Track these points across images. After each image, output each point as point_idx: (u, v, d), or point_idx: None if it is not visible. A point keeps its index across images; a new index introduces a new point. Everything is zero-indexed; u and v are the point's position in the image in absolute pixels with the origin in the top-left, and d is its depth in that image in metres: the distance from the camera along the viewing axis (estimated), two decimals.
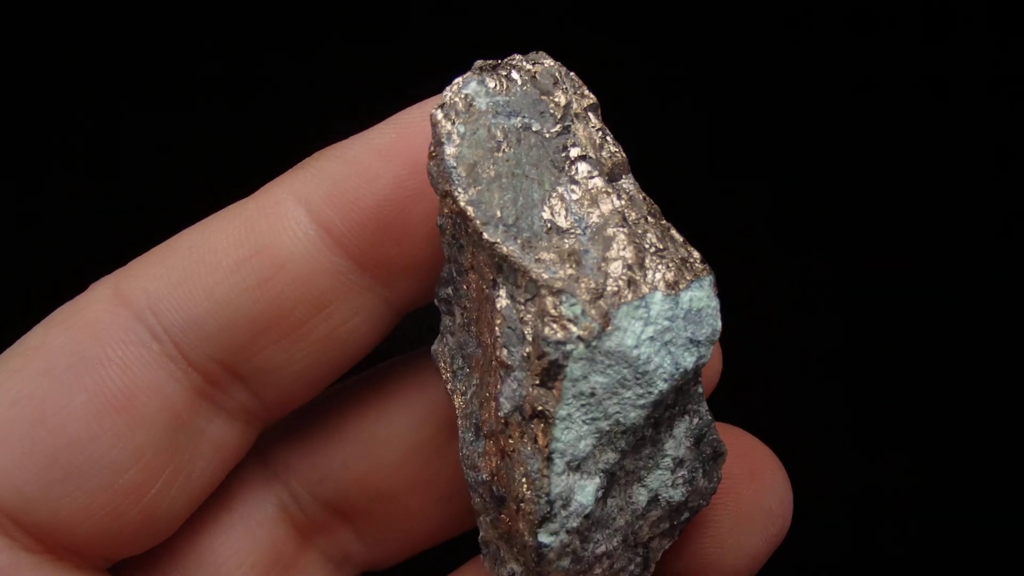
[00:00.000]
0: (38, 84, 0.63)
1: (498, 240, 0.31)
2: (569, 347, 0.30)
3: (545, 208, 0.31)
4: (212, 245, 0.34)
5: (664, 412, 0.32)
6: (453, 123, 0.32)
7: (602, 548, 0.32)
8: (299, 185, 0.34)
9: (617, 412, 0.31)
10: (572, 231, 0.31)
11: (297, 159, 0.35)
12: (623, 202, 0.32)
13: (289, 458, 0.38)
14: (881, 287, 0.63)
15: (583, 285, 0.30)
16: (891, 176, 0.64)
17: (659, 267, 0.31)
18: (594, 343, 0.30)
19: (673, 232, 0.32)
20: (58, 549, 0.33)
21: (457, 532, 0.40)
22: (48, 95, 0.63)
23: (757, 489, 0.36)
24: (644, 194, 0.33)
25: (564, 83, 0.33)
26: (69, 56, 0.62)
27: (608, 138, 0.33)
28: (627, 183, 0.32)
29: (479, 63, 0.33)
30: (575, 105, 0.33)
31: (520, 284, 0.31)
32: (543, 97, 0.33)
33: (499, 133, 0.32)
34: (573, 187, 0.32)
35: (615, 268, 0.30)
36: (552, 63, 0.33)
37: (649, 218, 0.32)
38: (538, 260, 0.30)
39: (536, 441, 0.31)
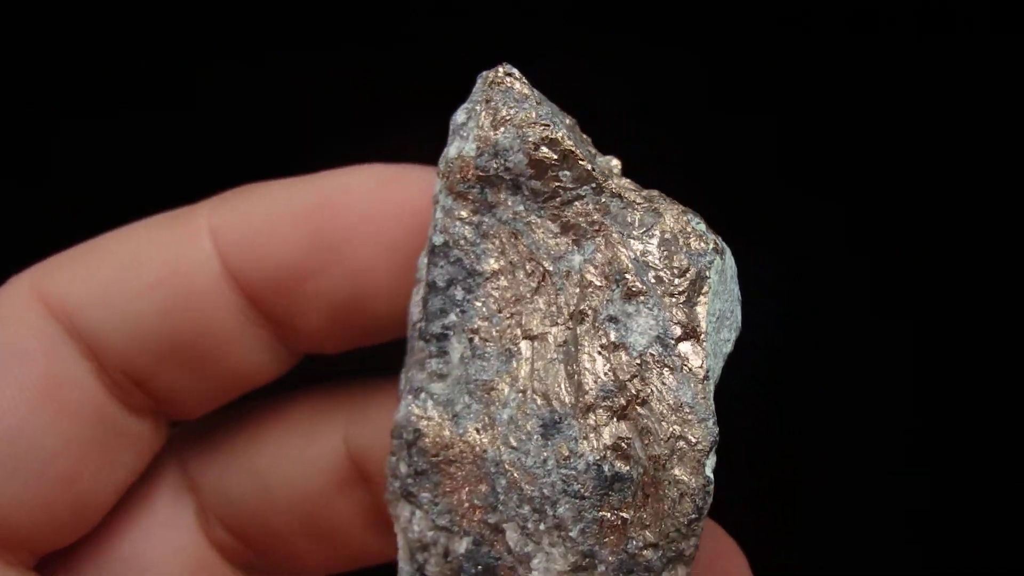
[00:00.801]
0: None
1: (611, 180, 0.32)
2: (708, 258, 0.32)
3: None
4: (132, 258, 0.34)
5: None
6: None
7: None
8: (216, 221, 0.35)
9: (717, 349, 0.33)
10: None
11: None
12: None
13: (200, 475, 0.39)
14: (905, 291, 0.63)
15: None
16: (911, 177, 0.63)
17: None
18: (721, 259, 0.32)
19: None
20: None
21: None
22: None
23: None
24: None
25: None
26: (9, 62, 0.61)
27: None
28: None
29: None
30: None
31: (633, 219, 0.32)
32: None
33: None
34: None
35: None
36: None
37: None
38: (643, 196, 0.33)
39: (687, 364, 0.31)
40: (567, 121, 0.34)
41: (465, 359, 0.33)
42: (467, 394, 0.33)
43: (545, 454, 0.32)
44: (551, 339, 0.33)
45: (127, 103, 0.62)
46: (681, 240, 0.32)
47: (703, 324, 0.32)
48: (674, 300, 0.32)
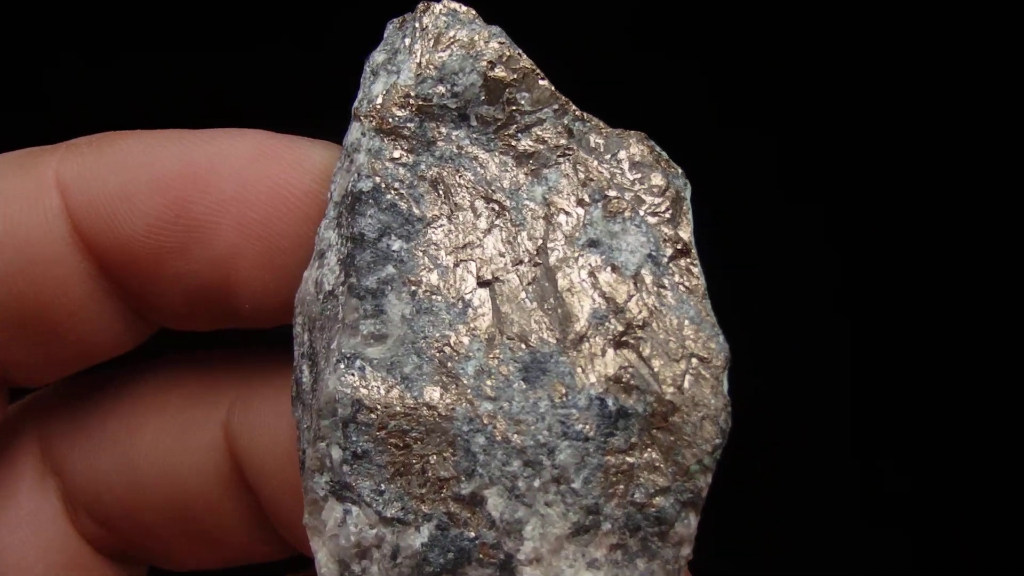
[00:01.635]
0: None
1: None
2: (682, 180, 0.31)
3: None
4: None
5: None
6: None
7: None
8: (67, 174, 0.31)
9: None
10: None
11: None
12: None
13: (66, 458, 0.36)
14: (890, 294, 0.64)
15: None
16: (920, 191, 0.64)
17: None
18: (687, 183, 0.32)
19: None
20: None
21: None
22: None
23: None
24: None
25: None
26: None
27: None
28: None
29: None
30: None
31: (598, 144, 0.31)
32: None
33: None
34: None
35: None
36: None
37: None
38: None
39: (685, 282, 0.30)
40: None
41: (408, 317, 0.30)
42: (415, 354, 0.30)
43: (535, 396, 0.29)
44: (515, 280, 0.30)
45: None
46: (652, 161, 0.31)
47: (692, 240, 0.30)
48: (659, 219, 0.30)
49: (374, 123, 0.30)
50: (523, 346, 0.29)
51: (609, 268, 0.30)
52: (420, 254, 0.30)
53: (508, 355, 0.29)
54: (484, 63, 0.30)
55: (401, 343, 0.29)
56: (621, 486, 0.29)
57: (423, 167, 0.30)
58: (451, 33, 0.30)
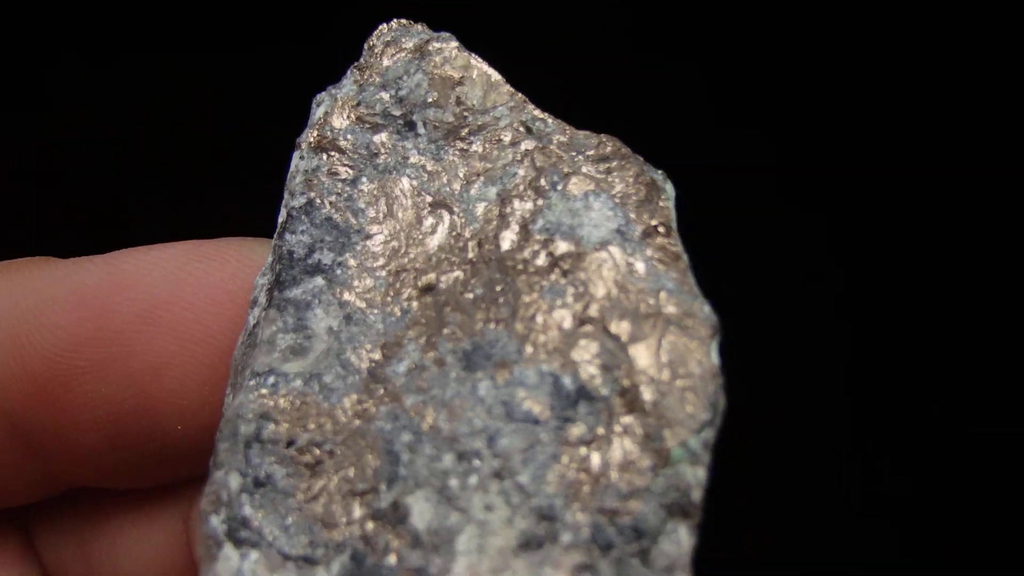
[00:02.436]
0: None
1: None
2: (662, 175, 0.27)
3: None
4: None
5: None
6: None
7: None
8: None
9: None
10: None
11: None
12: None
13: (54, 563, 0.32)
14: (892, 295, 0.63)
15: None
16: (919, 189, 0.64)
17: None
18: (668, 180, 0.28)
19: None
20: None
21: None
22: None
23: None
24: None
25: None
26: None
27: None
28: None
29: None
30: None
31: (565, 139, 0.27)
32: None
33: None
34: None
35: None
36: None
37: None
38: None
39: (662, 259, 0.25)
40: None
41: (336, 329, 0.25)
42: (340, 366, 0.25)
43: (473, 380, 0.24)
44: (459, 278, 0.26)
45: None
46: (624, 155, 0.27)
47: (673, 221, 0.26)
48: (631, 202, 0.26)
49: (312, 141, 0.27)
50: (465, 336, 0.25)
51: (569, 243, 0.25)
52: (354, 265, 0.26)
53: (447, 347, 0.25)
54: (430, 63, 0.28)
55: (326, 356, 0.25)
56: (585, 487, 0.23)
57: (364, 180, 0.27)
58: (399, 43, 0.28)
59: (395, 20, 0.28)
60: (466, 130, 0.27)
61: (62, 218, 0.54)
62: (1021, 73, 0.62)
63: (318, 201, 0.26)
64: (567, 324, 0.24)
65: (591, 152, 0.27)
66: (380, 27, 0.28)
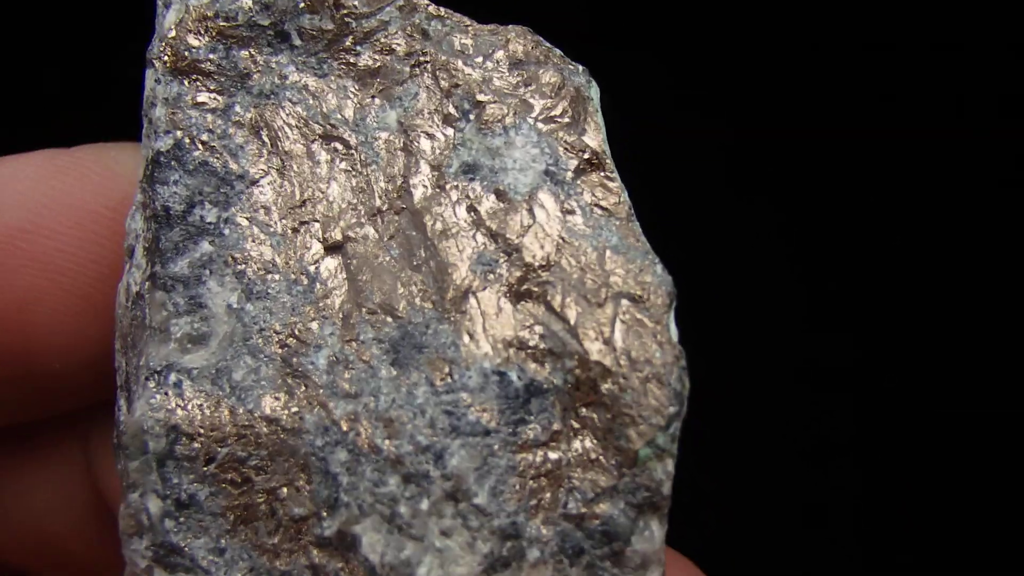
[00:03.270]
0: None
1: None
2: (584, 78, 0.24)
3: None
4: None
5: None
6: None
7: None
8: None
9: None
10: None
11: None
12: None
13: None
14: (890, 304, 0.63)
15: None
16: (911, 195, 0.63)
17: None
18: (592, 82, 0.25)
19: None
20: None
21: None
22: None
23: None
24: None
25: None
26: None
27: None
28: None
29: None
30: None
31: (465, 45, 0.23)
32: None
33: None
34: None
35: None
36: None
37: None
38: None
39: (600, 202, 0.22)
40: None
41: (236, 306, 0.22)
42: (248, 354, 0.22)
43: (408, 383, 0.21)
44: (372, 235, 0.22)
45: None
46: (540, 57, 0.23)
47: (606, 149, 0.22)
48: (555, 125, 0.22)
49: (168, 62, 0.23)
50: (388, 319, 0.22)
51: (493, 195, 0.22)
52: (245, 222, 0.23)
53: (370, 334, 0.21)
54: None
55: (230, 342, 0.22)
56: (547, 494, 0.21)
57: (237, 109, 0.23)
58: None
59: None
60: (350, 38, 0.23)
61: None
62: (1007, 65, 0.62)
63: (187, 141, 0.23)
64: (504, 303, 0.21)
65: (500, 54, 0.23)
66: None
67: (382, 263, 0.22)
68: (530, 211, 0.22)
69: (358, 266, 0.22)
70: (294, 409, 0.21)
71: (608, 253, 0.21)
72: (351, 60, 0.23)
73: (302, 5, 0.23)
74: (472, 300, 0.21)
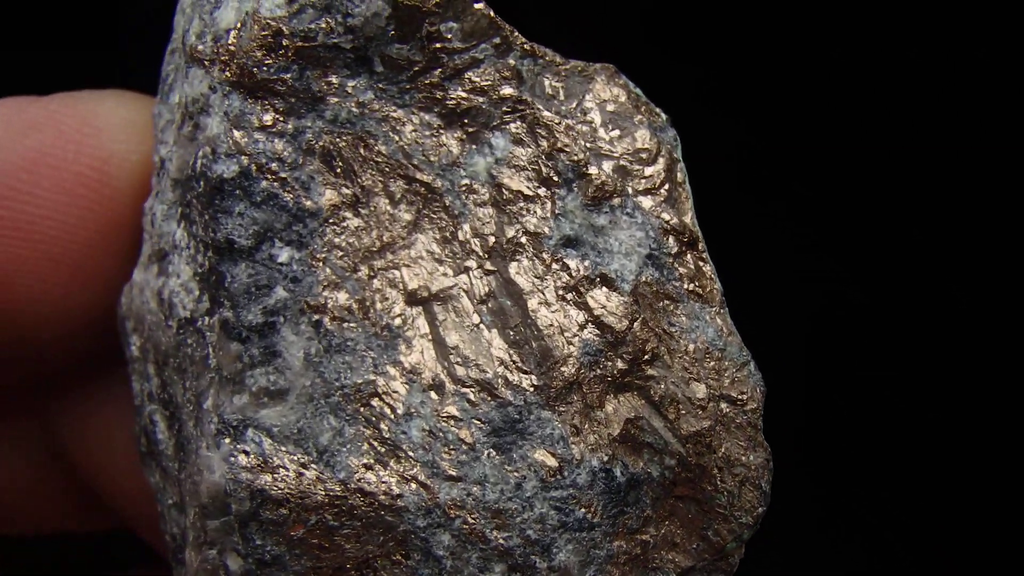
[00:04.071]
0: None
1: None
2: (671, 133, 0.23)
3: None
4: None
5: None
6: None
7: None
8: None
9: None
10: None
11: None
12: None
13: None
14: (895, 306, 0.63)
15: None
16: (925, 198, 0.63)
17: None
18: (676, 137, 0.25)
19: None
20: None
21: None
22: None
23: None
24: None
25: None
26: None
27: None
28: None
29: None
30: None
31: (556, 89, 0.22)
32: None
33: None
34: None
35: None
36: None
37: None
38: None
39: (696, 287, 0.21)
40: None
41: (314, 358, 0.21)
42: (331, 413, 0.21)
43: (516, 475, 0.21)
44: (462, 296, 0.21)
45: None
46: (630, 108, 0.22)
47: (697, 227, 0.22)
48: (655, 200, 0.21)
49: (230, 73, 0.20)
50: (487, 397, 0.21)
51: (599, 280, 0.21)
52: (319, 265, 0.21)
53: (467, 411, 0.21)
54: None
55: (309, 399, 0.21)
56: (633, 574, 0.21)
57: (309, 136, 0.21)
58: None
59: None
60: (439, 72, 0.22)
61: None
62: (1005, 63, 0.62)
63: (253, 169, 0.21)
64: (609, 397, 0.21)
65: (589, 101, 0.22)
66: None
67: (473, 328, 0.21)
68: (635, 302, 0.21)
69: (446, 326, 0.21)
70: (392, 484, 0.20)
71: (707, 349, 0.21)
72: (437, 96, 0.22)
73: (392, 33, 0.21)
74: (578, 392, 0.21)
